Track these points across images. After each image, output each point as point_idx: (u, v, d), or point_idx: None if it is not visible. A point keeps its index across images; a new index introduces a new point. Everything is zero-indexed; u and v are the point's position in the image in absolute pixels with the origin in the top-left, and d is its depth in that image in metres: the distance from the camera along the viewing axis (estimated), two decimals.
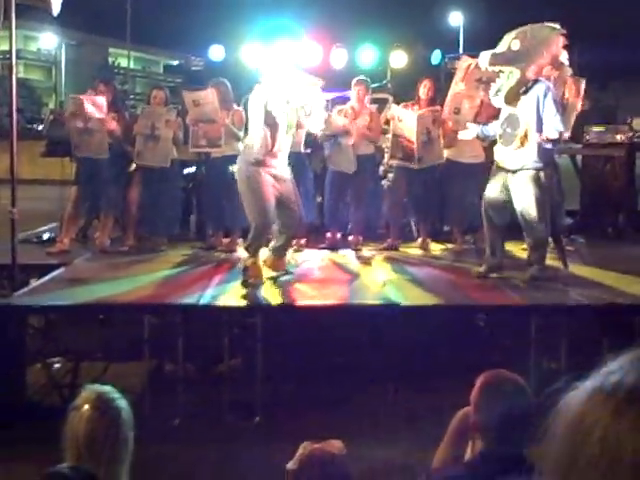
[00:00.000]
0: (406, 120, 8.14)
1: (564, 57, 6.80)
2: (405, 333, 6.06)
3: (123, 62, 33.07)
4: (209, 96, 8.15)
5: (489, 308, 6.23)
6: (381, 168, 9.65)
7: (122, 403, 2.85)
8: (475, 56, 7.84)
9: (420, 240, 8.60)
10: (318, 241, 8.49)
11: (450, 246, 8.53)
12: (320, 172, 8.92)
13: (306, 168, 8.40)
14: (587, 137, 10.17)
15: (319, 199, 8.90)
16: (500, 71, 6.50)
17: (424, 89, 8.39)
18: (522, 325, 5.86)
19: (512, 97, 6.45)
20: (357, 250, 8.26)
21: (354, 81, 8.44)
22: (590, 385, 1.01)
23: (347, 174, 8.27)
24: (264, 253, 6.94)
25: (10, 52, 6.58)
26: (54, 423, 2.78)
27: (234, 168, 6.87)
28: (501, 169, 6.62)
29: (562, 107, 6.83)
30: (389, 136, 8.65)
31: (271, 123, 6.50)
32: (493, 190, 6.68)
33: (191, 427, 5.54)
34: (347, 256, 8.04)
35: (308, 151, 8.72)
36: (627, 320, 5.97)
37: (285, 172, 6.76)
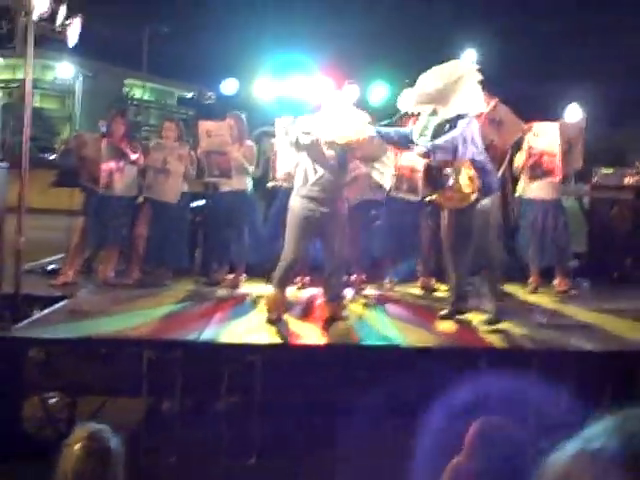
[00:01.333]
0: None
1: (479, 94, 6.79)
2: (405, 374, 6.01)
3: (138, 93, 33.40)
4: (223, 128, 8.21)
5: (490, 352, 6.17)
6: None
7: (114, 442, 2.85)
8: (491, 94, 7.88)
9: (421, 280, 8.57)
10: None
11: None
12: None
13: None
14: (595, 179, 10.17)
15: None
16: (419, 113, 6.56)
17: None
18: (524, 370, 5.81)
19: (438, 135, 6.49)
20: (360, 289, 8.22)
21: None
22: (575, 448, 1.04)
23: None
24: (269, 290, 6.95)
25: (25, 81, 6.65)
26: (49, 458, 2.78)
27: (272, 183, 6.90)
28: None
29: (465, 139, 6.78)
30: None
31: (317, 157, 6.56)
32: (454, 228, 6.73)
33: (188, 465, 5.50)
34: (349, 295, 8.00)
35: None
36: (630, 367, 5.91)
37: (335, 208, 6.71)
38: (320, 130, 6.55)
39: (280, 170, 7.68)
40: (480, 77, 6.59)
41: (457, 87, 6.46)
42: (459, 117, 6.42)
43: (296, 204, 6.60)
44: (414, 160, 8.19)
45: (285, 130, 7.13)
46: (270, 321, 6.48)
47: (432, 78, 6.50)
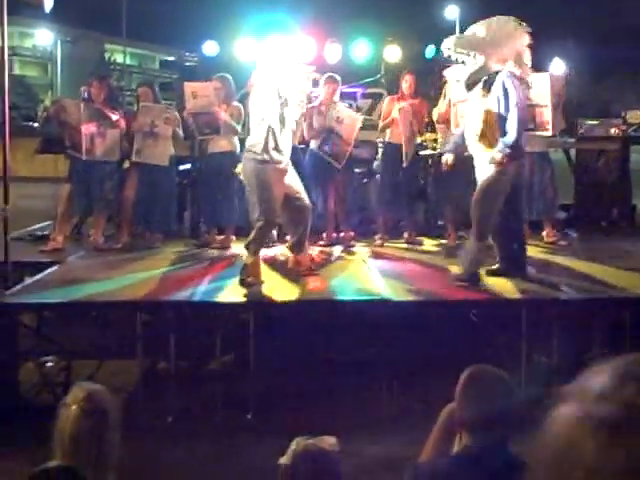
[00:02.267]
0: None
1: (527, 57, 6.77)
2: (397, 329, 6.06)
3: (119, 58, 33.05)
4: (208, 89, 8.19)
5: (480, 303, 6.23)
6: (375, 163, 9.68)
7: (110, 402, 2.87)
8: None
9: (406, 235, 8.63)
10: (315, 238, 8.47)
11: (443, 241, 8.53)
12: None
13: (301, 161, 8.38)
14: (581, 131, 10.18)
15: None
16: (462, 62, 6.53)
17: (405, 84, 8.42)
18: (514, 319, 5.88)
19: (473, 84, 6.47)
20: (350, 246, 8.27)
21: (324, 79, 8.35)
22: (577, 411, 0.99)
23: (331, 168, 8.27)
24: (284, 253, 7.01)
25: (2, 48, 6.56)
26: (46, 421, 2.80)
27: (239, 169, 6.85)
28: (481, 163, 6.59)
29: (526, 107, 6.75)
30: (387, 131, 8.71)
31: (275, 121, 6.44)
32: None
33: (184, 424, 5.55)
34: (340, 252, 8.05)
35: (302, 146, 8.72)
36: (618, 314, 5.98)
37: (289, 166, 6.67)
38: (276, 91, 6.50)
39: None
40: (529, 40, 6.58)
41: (501, 42, 6.45)
42: (498, 73, 6.37)
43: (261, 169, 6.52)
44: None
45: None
46: (248, 285, 6.38)
47: (482, 27, 6.48)
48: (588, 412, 0.98)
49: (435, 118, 8.41)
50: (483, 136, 6.41)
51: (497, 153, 6.24)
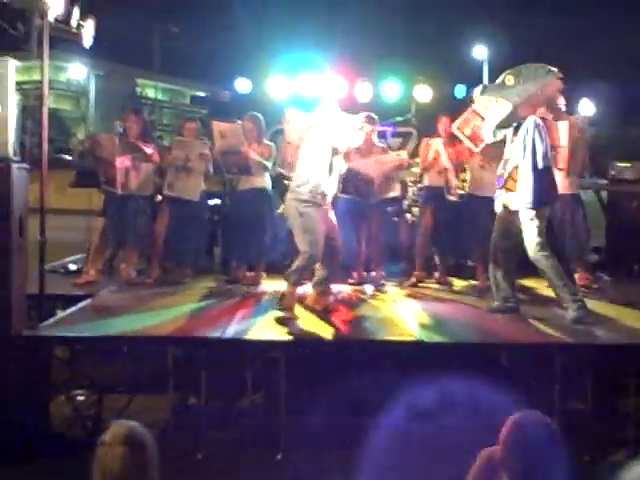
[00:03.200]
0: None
1: (561, 102, 6.86)
2: (428, 370, 6.02)
3: (150, 93, 33.48)
4: (237, 129, 8.23)
5: (513, 346, 6.18)
6: (405, 202, 9.69)
7: (150, 439, 2.86)
8: None
9: (437, 275, 8.62)
10: (345, 277, 8.47)
11: (474, 283, 8.49)
12: None
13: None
14: (612, 172, 10.14)
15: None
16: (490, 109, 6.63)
17: (442, 126, 8.46)
18: (547, 364, 5.82)
19: (501, 127, 6.62)
20: (381, 285, 8.26)
21: (363, 118, 8.41)
22: None
23: (363, 208, 8.29)
24: (307, 290, 7.08)
25: (42, 83, 6.69)
26: (77, 456, 2.80)
27: (281, 209, 6.98)
28: (504, 209, 6.69)
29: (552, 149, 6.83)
30: (415, 170, 8.73)
31: (325, 167, 6.71)
32: (498, 231, 6.78)
33: (214, 461, 5.54)
34: (369, 292, 8.04)
35: None
36: None
37: (329, 209, 6.92)
38: (321, 135, 6.75)
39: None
40: (561, 85, 6.68)
41: (531, 89, 6.55)
42: (526, 118, 6.50)
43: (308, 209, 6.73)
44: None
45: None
46: (285, 317, 6.52)
47: (511, 76, 6.59)
48: None
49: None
50: (508, 180, 6.51)
51: (527, 210, 6.43)
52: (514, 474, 2.68)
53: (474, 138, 7.34)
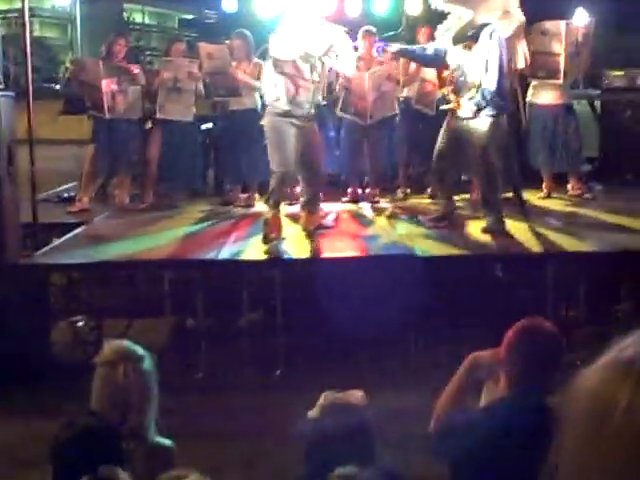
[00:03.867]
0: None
1: (519, 15, 6.73)
2: (424, 284, 6.09)
3: (138, 17, 32.91)
4: (223, 50, 8.16)
5: (506, 257, 6.23)
6: (397, 118, 9.61)
7: (148, 357, 2.91)
8: None
9: (430, 190, 8.62)
10: (339, 194, 8.48)
11: (468, 197, 8.49)
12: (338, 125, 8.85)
13: (326, 119, 8.37)
14: (606, 81, 10.03)
15: (337, 152, 8.87)
16: (449, 12, 6.49)
17: (422, 37, 8.34)
18: (539, 274, 5.88)
19: (459, 39, 6.47)
20: (374, 202, 8.27)
21: (361, 33, 8.32)
22: (606, 360, 1.04)
23: (362, 125, 8.24)
24: (298, 211, 7.03)
25: (23, 10, 6.57)
26: (78, 379, 2.85)
27: (264, 121, 6.88)
28: (457, 118, 6.59)
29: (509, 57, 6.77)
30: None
31: (289, 73, 6.50)
32: (444, 139, 6.72)
33: (214, 380, 5.64)
34: (365, 209, 8.06)
35: (325, 103, 8.68)
36: None
37: (309, 123, 6.71)
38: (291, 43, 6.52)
39: None
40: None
41: None
42: (484, 25, 6.35)
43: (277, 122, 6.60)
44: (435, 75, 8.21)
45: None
46: (270, 241, 6.45)
47: None
48: (616, 359, 1.03)
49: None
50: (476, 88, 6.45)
51: (474, 104, 6.35)
52: (516, 379, 2.73)
53: None
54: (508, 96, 6.70)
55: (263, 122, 6.79)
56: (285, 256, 6.15)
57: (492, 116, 6.38)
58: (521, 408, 2.66)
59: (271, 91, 6.64)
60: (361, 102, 8.18)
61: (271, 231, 6.50)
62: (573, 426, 1.05)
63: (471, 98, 6.36)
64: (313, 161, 6.74)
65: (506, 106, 6.59)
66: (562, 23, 7.93)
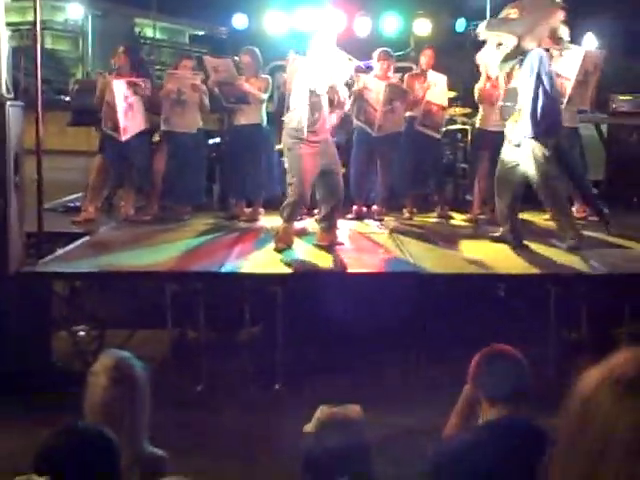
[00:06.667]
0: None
1: (564, 32, 6.81)
2: (426, 301, 6.09)
3: (149, 32, 33.05)
4: (229, 64, 8.25)
5: (508, 277, 6.22)
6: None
7: (139, 369, 2.89)
8: None
9: (438, 210, 8.66)
10: (344, 212, 8.48)
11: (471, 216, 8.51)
12: (345, 144, 8.85)
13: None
14: (613, 106, 10.06)
15: (343, 170, 8.88)
16: (499, 43, 6.58)
17: (425, 58, 8.40)
18: (542, 294, 5.86)
19: (506, 64, 6.60)
20: (380, 220, 8.28)
21: (378, 54, 8.34)
22: (598, 373, 1.17)
23: (372, 138, 8.26)
24: (314, 226, 7.13)
25: (35, 22, 6.62)
26: (78, 390, 2.85)
27: (283, 141, 6.96)
28: (508, 142, 6.71)
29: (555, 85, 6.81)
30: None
31: (314, 102, 6.64)
32: (502, 164, 6.78)
33: (214, 393, 5.63)
34: (370, 226, 8.08)
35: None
36: None
37: (327, 145, 6.84)
38: (311, 76, 6.64)
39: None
40: (564, 16, 6.67)
41: (535, 21, 6.53)
42: (531, 51, 6.48)
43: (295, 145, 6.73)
44: (442, 97, 8.26)
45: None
46: (279, 250, 6.62)
47: (515, 9, 6.59)
48: (607, 372, 1.15)
49: (476, 96, 8.33)
50: (514, 113, 6.50)
51: (527, 138, 6.44)
52: (490, 403, 2.75)
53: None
54: (557, 118, 6.69)
55: (282, 142, 6.92)
56: (286, 270, 6.15)
57: (538, 140, 6.45)
58: (504, 428, 2.67)
59: (293, 115, 6.74)
60: (373, 112, 8.23)
61: (280, 242, 6.69)
62: (566, 425, 1.17)
63: (517, 122, 6.44)
64: (331, 180, 6.83)
65: (552, 129, 6.60)
66: (582, 50, 7.95)
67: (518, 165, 6.64)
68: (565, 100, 7.89)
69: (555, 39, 6.81)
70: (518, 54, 6.52)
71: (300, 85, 6.70)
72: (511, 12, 6.63)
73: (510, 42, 6.52)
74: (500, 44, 6.68)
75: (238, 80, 8.11)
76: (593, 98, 8.36)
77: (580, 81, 7.90)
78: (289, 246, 6.72)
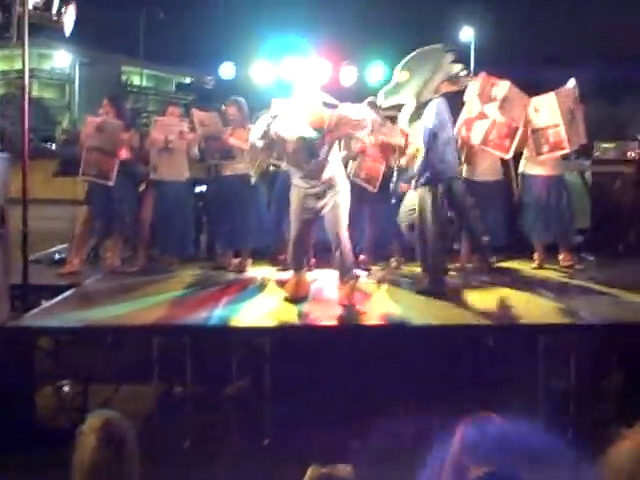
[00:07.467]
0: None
1: (458, 68, 6.99)
2: (415, 353, 6.05)
3: (136, 80, 33.34)
4: (214, 118, 8.29)
5: (498, 328, 6.20)
6: (391, 186, 9.66)
7: (127, 429, 2.85)
8: (488, 72, 7.98)
9: None
10: (328, 261, 8.46)
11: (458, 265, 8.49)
12: None
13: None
14: (597, 153, 10.17)
15: None
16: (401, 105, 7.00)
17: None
18: (531, 344, 5.84)
19: (413, 120, 6.93)
20: (367, 270, 8.26)
21: (367, 103, 8.38)
22: (631, 444, 1.25)
23: (366, 193, 8.26)
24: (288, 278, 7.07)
25: (23, 71, 6.64)
26: (63, 447, 2.79)
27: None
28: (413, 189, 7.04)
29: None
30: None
31: (291, 148, 6.57)
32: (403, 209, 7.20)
33: (201, 449, 5.54)
34: (363, 276, 8.05)
35: None
36: (636, 338, 5.94)
37: (327, 193, 6.65)
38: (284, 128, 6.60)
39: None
40: (455, 56, 6.96)
41: (426, 74, 6.81)
42: (429, 101, 6.79)
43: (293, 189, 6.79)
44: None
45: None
46: (290, 301, 6.66)
47: (404, 72, 6.91)
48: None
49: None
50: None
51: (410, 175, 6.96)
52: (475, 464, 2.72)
53: None
54: (442, 166, 6.84)
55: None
56: (273, 323, 6.12)
57: (423, 185, 6.78)
58: None
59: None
60: (374, 169, 8.24)
61: (289, 292, 6.74)
62: None
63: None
64: (335, 231, 6.72)
65: (434, 177, 6.80)
66: (551, 94, 8.02)
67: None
68: (566, 144, 7.91)
69: (452, 81, 6.99)
70: (421, 109, 6.78)
71: (290, 128, 6.61)
72: (400, 76, 6.84)
73: (410, 102, 6.84)
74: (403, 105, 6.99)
75: (224, 134, 8.14)
76: (586, 133, 8.35)
77: (569, 120, 7.94)
78: (305, 296, 6.78)
